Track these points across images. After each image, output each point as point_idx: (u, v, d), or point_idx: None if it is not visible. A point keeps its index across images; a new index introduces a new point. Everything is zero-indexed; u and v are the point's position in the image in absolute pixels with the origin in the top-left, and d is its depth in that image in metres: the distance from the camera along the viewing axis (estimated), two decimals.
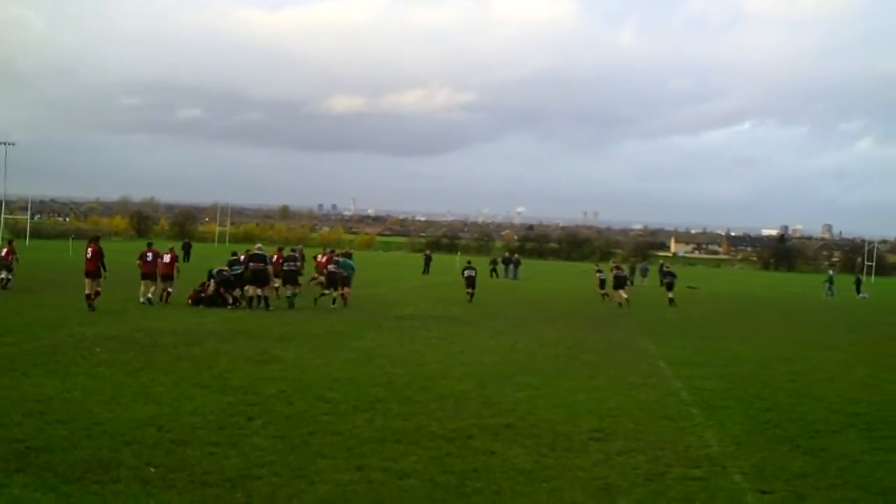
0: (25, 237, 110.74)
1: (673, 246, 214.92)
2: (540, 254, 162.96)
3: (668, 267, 55.66)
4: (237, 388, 15.61)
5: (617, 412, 15.04)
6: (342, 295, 35.59)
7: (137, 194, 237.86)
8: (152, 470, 10.28)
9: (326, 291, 35.53)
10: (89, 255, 30.59)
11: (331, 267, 36.24)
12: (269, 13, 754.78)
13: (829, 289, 70.08)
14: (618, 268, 49.64)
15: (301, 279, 36.65)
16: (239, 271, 33.73)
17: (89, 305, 29.03)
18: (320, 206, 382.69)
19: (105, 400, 14.17)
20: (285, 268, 35.58)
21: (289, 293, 34.66)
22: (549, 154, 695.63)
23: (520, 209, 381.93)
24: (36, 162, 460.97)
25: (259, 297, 32.90)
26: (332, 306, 33.55)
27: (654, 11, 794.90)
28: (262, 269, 33.52)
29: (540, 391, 16.85)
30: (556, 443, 12.50)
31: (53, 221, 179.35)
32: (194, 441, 11.63)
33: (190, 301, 32.60)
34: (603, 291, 49.13)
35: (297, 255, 38.14)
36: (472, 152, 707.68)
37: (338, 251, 41.47)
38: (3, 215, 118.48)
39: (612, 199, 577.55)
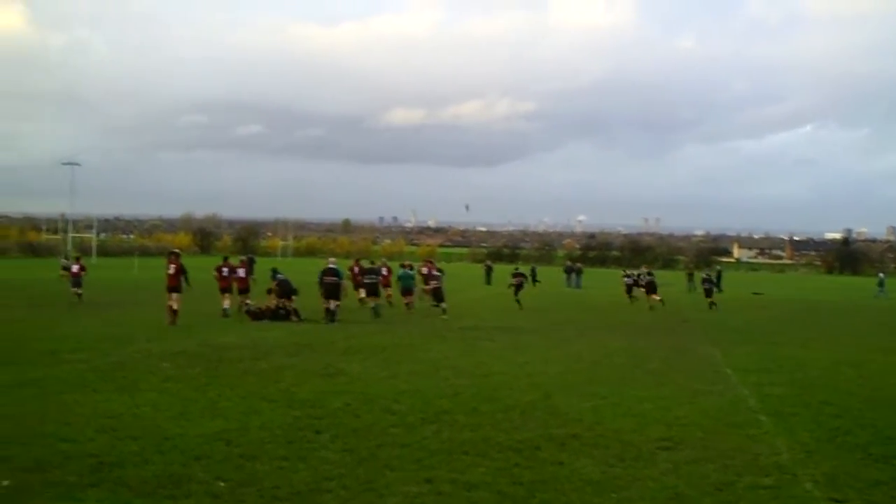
0: (92, 255, 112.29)
1: (736, 251, 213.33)
2: (602, 262, 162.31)
3: (707, 275, 55.86)
4: (304, 402, 15.69)
5: (684, 420, 14.95)
6: (407, 304, 37.83)
7: (200, 210, 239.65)
8: (222, 485, 10.38)
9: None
10: (172, 271, 31.13)
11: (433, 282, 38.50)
12: (326, 28, 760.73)
13: (881, 291, 69.28)
14: (648, 274, 50.59)
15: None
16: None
17: (173, 320, 29.84)
18: (381, 218, 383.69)
19: (174, 415, 14.32)
20: (366, 280, 36.32)
21: (372, 304, 36.00)
22: (610, 161, 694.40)
23: (581, 217, 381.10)
24: (101, 182, 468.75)
25: (331, 310, 33.00)
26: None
27: (713, 15, 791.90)
28: (335, 283, 33.76)
29: (606, 400, 16.78)
30: (624, 452, 12.45)
31: (118, 239, 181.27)
32: (263, 455, 11.71)
33: (249, 316, 32.89)
34: (631, 296, 51.12)
35: (378, 267, 39.10)
36: (532, 162, 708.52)
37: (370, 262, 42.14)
38: (70, 234, 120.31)
39: (674, 205, 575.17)
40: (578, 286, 70.55)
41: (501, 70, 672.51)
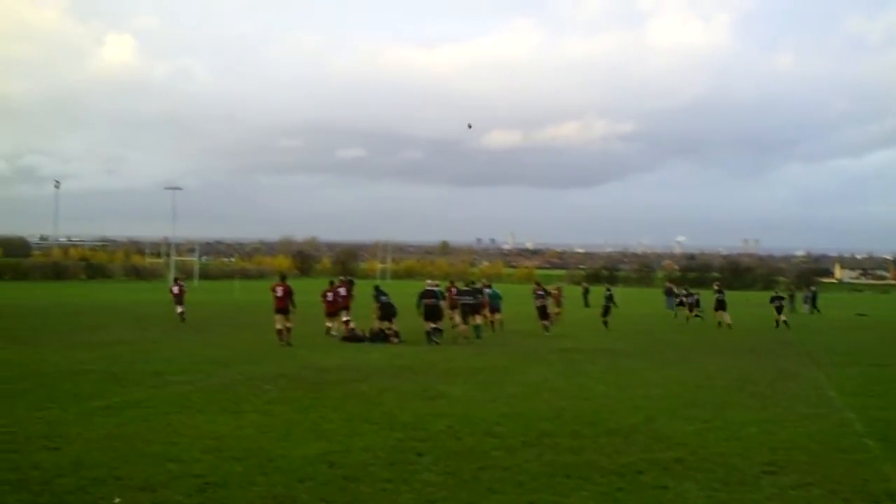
0: (194, 278, 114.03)
1: (837, 272, 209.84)
2: (701, 283, 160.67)
3: (778, 292, 56.61)
4: (406, 425, 15.73)
5: (789, 444, 14.70)
6: (492, 322, 38.73)
7: (299, 234, 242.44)
8: None
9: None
10: (280, 294, 31.88)
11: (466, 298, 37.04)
12: (426, 51, 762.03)
13: None
14: (719, 290, 49.78)
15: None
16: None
17: (281, 340, 30.87)
18: (479, 240, 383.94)
19: (277, 437, 14.45)
20: (462, 301, 36.49)
21: (472, 325, 36.29)
22: (708, 181, 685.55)
23: (680, 238, 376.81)
24: (202, 205, 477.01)
25: (432, 331, 33.42)
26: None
27: (811, 34, 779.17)
28: (435, 304, 34.16)
29: (709, 424, 16.58)
30: (729, 477, 12.28)
31: (220, 262, 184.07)
32: (366, 477, 11.76)
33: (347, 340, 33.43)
34: (694, 313, 52.45)
35: (478, 288, 40.06)
36: (630, 182, 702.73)
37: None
38: (173, 257, 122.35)
39: (774, 226, 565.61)
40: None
41: (599, 91, 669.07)
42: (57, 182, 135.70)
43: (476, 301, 36.84)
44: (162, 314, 46.61)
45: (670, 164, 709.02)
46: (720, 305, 47.83)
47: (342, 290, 36.94)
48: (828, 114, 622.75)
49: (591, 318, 50.56)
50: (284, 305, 31.64)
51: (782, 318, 47.60)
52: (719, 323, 46.79)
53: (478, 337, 34.88)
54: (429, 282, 37.56)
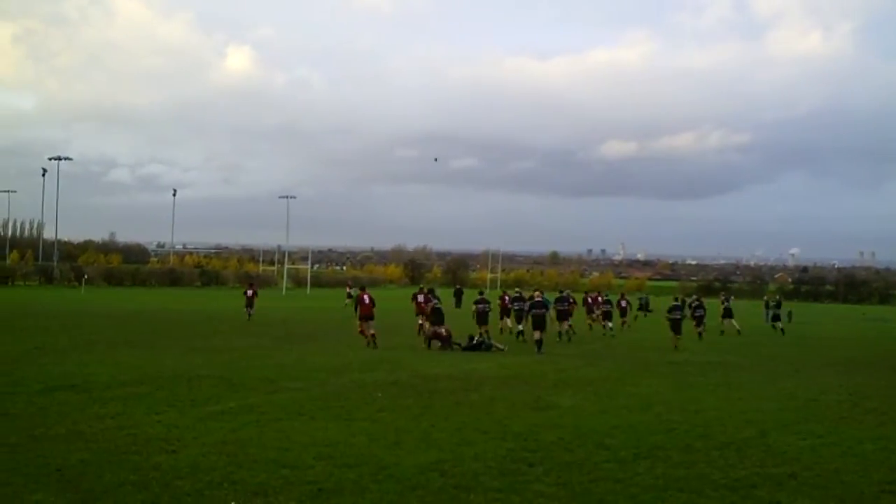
0: (307, 286, 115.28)
1: None
2: (815, 297, 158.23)
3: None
4: (517, 435, 15.74)
5: None
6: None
7: (411, 243, 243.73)
8: None
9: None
10: (367, 301, 34.13)
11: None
12: (541, 61, 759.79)
13: None
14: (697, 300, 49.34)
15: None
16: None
17: (368, 343, 32.82)
18: (589, 251, 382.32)
19: (388, 445, 14.56)
20: (516, 308, 40.71)
21: (563, 329, 39.09)
22: (825, 193, 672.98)
23: (793, 251, 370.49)
24: (316, 214, 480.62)
25: (539, 340, 34.20)
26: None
27: None
28: (542, 314, 35.24)
29: (824, 439, 16.32)
30: (845, 495, 12.07)
31: (332, 270, 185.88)
32: (477, 487, 11.80)
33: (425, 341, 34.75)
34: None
35: (567, 296, 43.44)
36: (745, 193, 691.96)
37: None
38: (286, 265, 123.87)
39: (891, 238, 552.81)
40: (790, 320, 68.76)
41: (716, 101, 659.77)
42: (174, 190, 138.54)
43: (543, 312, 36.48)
44: (274, 321, 47.23)
45: (786, 176, 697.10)
46: (727, 314, 50.36)
47: (420, 297, 41.18)
48: None
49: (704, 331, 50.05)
50: (369, 311, 34.20)
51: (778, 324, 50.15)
52: (722, 332, 48.43)
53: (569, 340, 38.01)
54: (536, 293, 38.44)
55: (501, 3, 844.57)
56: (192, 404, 18.17)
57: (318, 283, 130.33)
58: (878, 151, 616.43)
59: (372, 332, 33.63)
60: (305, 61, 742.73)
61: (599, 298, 48.31)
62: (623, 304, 50.69)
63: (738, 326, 49.12)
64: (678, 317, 40.11)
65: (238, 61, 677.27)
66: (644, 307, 67.38)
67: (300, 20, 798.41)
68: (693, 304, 48.03)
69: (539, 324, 34.53)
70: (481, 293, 42.42)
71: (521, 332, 39.73)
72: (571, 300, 44.40)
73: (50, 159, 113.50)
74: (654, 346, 38.57)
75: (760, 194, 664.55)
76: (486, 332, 37.10)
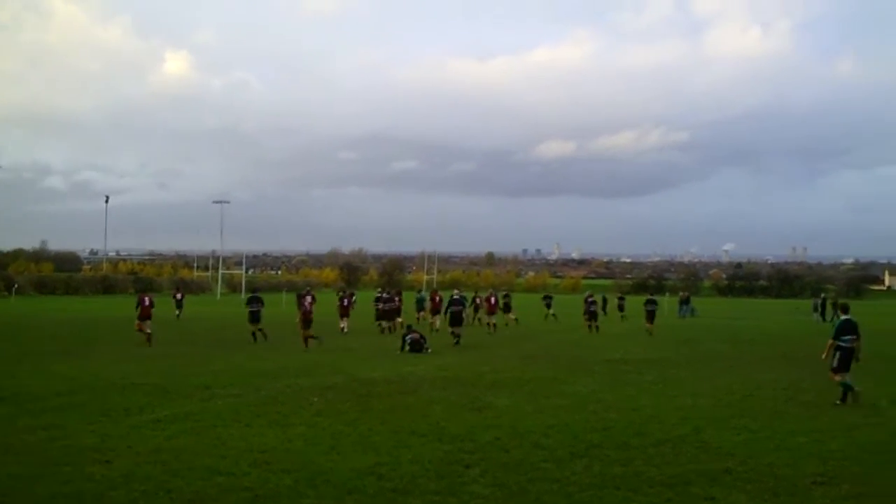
0: (241, 291, 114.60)
1: (887, 279, 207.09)
2: (749, 292, 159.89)
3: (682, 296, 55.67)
4: (454, 436, 15.76)
5: (840, 455, 14.60)
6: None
7: (347, 246, 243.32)
8: None
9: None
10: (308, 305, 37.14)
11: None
12: (481, 63, 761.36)
13: None
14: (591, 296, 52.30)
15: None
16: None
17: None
18: (525, 251, 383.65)
19: (326, 449, 14.54)
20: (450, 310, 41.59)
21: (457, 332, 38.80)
22: (760, 190, 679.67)
23: (727, 247, 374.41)
24: (254, 218, 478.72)
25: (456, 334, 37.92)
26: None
27: (874, 41, 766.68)
28: (460, 311, 39.38)
29: (758, 434, 16.50)
30: (779, 488, 12.22)
31: (266, 275, 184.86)
32: (415, 490, 11.80)
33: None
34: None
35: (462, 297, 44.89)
36: (681, 192, 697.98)
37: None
38: (220, 270, 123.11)
39: (823, 234, 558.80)
40: (693, 315, 71.17)
41: (656, 100, 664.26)
42: (107, 197, 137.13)
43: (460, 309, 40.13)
44: (209, 328, 46.93)
45: (723, 174, 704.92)
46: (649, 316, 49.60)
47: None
48: (885, 121, 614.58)
49: (637, 329, 50.37)
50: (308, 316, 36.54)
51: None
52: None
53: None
54: (455, 292, 43.31)
55: (445, 4, 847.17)
56: (125, 413, 18.02)
57: (252, 288, 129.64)
58: (813, 149, 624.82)
59: (309, 334, 35.23)
60: (245, 64, 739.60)
61: (492, 300, 49.96)
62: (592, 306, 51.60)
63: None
64: (594, 309, 49.75)
65: (176, 65, 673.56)
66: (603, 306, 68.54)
67: (240, 23, 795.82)
68: (588, 300, 50.99)
69: (456, 320, 38.60)
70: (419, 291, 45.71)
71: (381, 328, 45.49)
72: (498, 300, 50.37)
73: None
74: (590, 345, 38.75)
75: (696, 192, 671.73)
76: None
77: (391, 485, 12.06)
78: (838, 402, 20.82)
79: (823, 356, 21.69)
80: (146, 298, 37.92)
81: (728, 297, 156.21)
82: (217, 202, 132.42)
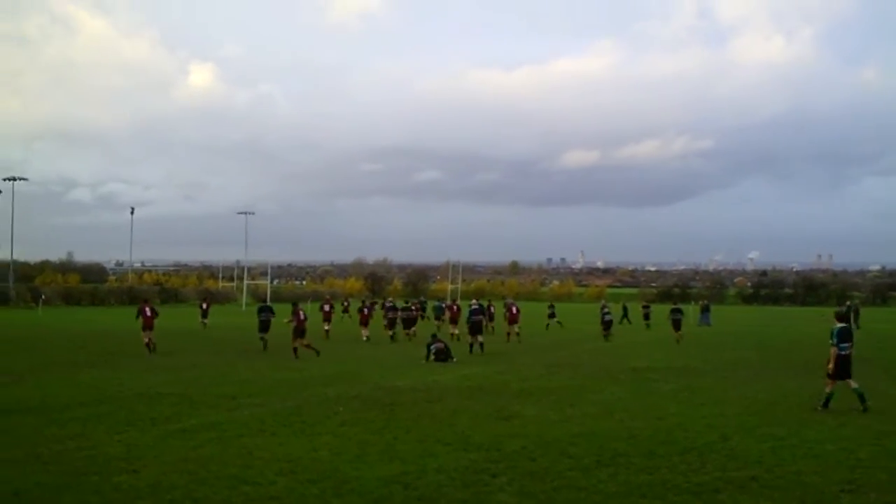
0: (266, 301, 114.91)
1: None
2: (774, 300, 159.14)
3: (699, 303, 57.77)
4: (480, 445, 15.75)
5: (868, 463, 14.51)
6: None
7: (371, 256, 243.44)
8: None
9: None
10: (303, 316, 36.67)
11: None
12: (506, 73, 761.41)
13: None
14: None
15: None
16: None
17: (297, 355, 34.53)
18: (549, 260, 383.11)
19: (351, 458, 14.54)
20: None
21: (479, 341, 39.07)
22: (784, 197, 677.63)
23: (752, 255, 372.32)
24: (277, 229, 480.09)
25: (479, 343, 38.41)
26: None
27: None
28: (479, 320, 39.79)
29: (785, 442, 16.42)
30: (806, 496, 12.15)
31: (291, 285, 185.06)
32: (441, 499, 11.80)
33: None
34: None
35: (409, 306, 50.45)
36: (706, 200, 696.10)
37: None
38: (245, 281, 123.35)
39: (849, 241, 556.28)
40: (708, 323, 70.26)
41: (680, 108, 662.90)
42: (132, 209, 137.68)
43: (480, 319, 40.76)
44: (234, 338, 46.99)
45: (747, 181, 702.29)
46: (676, 326, 49.99)
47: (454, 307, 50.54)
48: None
49: (663, 338, 50.22)
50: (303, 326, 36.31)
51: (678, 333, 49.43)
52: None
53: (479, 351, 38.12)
54: (473, 301, 44.00)
55: (468, 15, 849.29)
56: (152, 423, 18.08)
57: (277, 298, 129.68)
58: (837, 156, 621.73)
59: (306, 342, 35.41)
60: (269, 78, 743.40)
61: (455, 307, 51.32)
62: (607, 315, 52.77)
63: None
64: (609, 319, 51.59)
65: (201, 78, 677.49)
66: (625, 315, 68.67)
67: (266, 37, 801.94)
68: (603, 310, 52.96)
69: (476, 329, 38.98)
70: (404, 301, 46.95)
71: (392, 336, 47.13)
72: (415, 309, 51.63)
73: (4, 179, 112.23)
74: (616, 354, 38.67)
75: (721, 200, 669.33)
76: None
77: (417, 493, 12.05)
78: (819, 408, 21.13)
79: (829, 365, 21.69)
80: (147, 308, 38.11)
81: (753, 304, 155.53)
82: (242, 213, 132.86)
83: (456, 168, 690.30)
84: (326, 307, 53.58)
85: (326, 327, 51.06)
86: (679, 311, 50.83)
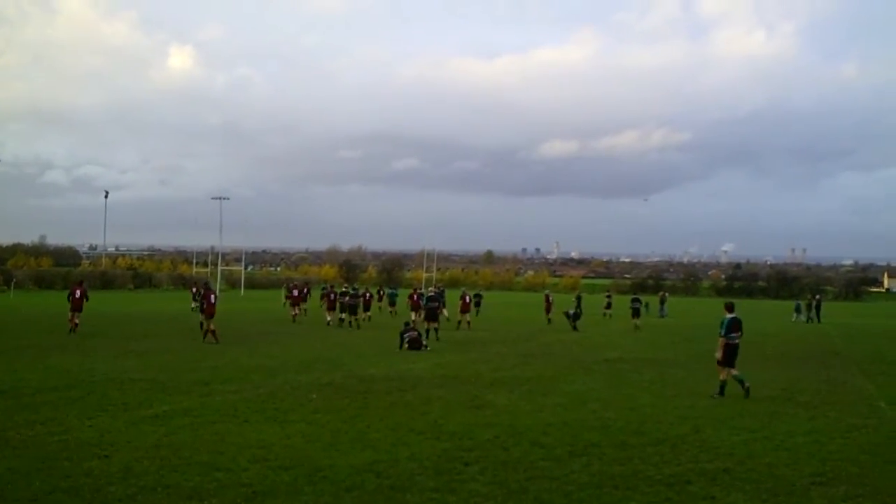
0: (241, 287, 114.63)
1: (886, 281, 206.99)
2: (748, 293, 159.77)
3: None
4: (452, 434, 15.77)
5: (838, 456, 14.61)
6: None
7: (346, 243, 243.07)
8: None
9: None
10: (213, 300, 37.58)
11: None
12: (486, 62, 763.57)
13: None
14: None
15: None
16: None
17: (206, 339, 35.68)
18: (524, 250, 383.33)
19: (324, 446, 14.53)
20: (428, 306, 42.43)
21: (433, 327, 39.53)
22: (760, 191, 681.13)
23: (726, 248, 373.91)
24: (254, 215, 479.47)
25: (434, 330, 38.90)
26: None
27: (878, 44, 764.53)
28: (435, 307, 40.32)
29: (757, 434, 16.53)
30: (777, 488, 12.22)
31: (266, 272, 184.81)
32: (413, 487, 11.79)
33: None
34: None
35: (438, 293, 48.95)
36: (682, 192, 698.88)
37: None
38: (219, 266, 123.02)
39: (823, 235, 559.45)
40: (663, 315, 72.29)
41: (659, 101, 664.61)
42: (106, 192, 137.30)
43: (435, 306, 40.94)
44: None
45: (724, 174, 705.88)
46: (635, 314, 54.59)
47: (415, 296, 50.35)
48: (887, 123, 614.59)
49: (630, 328, 50.42)
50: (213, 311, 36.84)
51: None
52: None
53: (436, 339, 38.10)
54: (430, 288, 47.44)
55: (448, 3, 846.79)
56: (124, 408, 18.00)
57: (251, 284, 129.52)
58: (814, 151, 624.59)
59: (212, 328, 35.86)
60: (249, 61, 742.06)
61: (416, 295, 51.77)
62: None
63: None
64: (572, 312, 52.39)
65: (180, 61, 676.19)
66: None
67: (246, 20, 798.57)
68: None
69: (431, 316, 39.48)
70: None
71: (341, 320, 47.88)
72: (367, 295, 53.97)
73: None
74: (588, 345, 38.78)
75: (698, 193, 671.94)
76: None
77: (389, 482, 12.04)
78: (715, 395, 21.85)
79: (718, 353, 22.64)
80: (77, 290, 39.47)
81: (726, 297, 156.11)
82: (216, 198, 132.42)
83: (434, 156, 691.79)
84: (295, 292, 54.91)
85: (293, 312, 52.68)
86: (638, 300, 56.50)
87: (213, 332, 35.59)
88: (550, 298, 58.67)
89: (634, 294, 62.98)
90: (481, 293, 63.45)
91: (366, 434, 15.70)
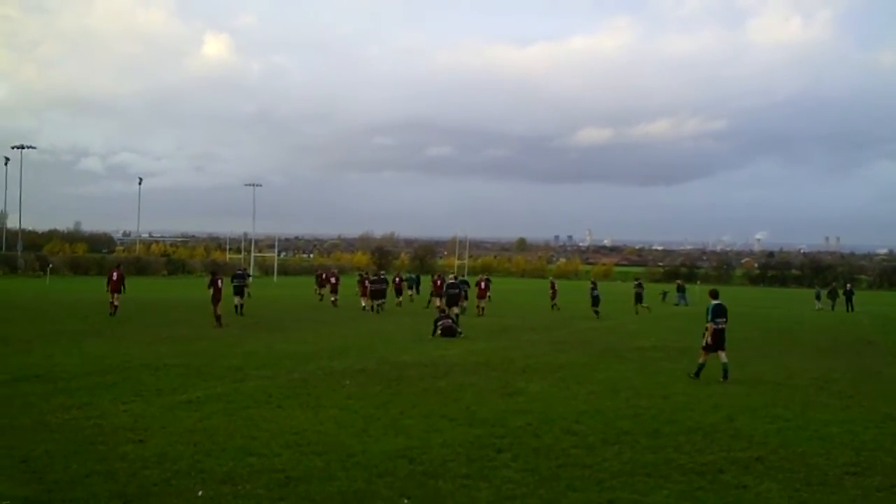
0: (273, 274, 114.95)
1: None
2: (781, 281, 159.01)
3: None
4: (485, 421, 15.79)
5: (873, 445, 14.55)
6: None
7: (379, 230, 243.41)
8: (406, 502, 10.51)
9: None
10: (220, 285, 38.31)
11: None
12: (520, 49, 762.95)
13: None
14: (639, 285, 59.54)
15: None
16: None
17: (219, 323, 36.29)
18: (556, 237, 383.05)
19: (357, 432, 14.58)
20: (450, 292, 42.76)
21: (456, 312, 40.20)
22: (795, 179, 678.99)
23: (759, 236, 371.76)
24: (288, 202, 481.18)
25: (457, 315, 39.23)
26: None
27: None
28: (457, 293, 41.88)
29: (790, 423, 16.45)
30: (811, 477, 12.17)
31: (298, 258, 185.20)
32: (446, 473, 11.82)
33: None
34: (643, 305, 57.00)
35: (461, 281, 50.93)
36: (716, 180, 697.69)
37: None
38: (253, 253, 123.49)
39: (857, 223, 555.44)
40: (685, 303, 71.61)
41: (694, 88, 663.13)
42: (140, 179, 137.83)
43: (457, 292, 42.24)
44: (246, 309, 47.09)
45: (759, 162, 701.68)
46: (638, 299, 56.55)
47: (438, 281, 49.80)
48: None
49: (670, 316, 50.30)
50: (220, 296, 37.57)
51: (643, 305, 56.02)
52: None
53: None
54: (451, 275, 48.35)
55: None
56: (158, 394, 18.11)
57: (284, 271, 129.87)
58: (849, 139, 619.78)
59: (218, 312, 36.85)
60: (284, 49, 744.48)
61: (439, 281, 51.58)
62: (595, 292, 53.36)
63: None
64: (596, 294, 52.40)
65: (215, 49, 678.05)
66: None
67: (282, 8, 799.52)
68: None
69: (453, 301, 40.57)
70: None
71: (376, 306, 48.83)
72: (396, 280, 57.98)
73: (13, 147, 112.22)
74: (622, 332, 38.69)
75: (732, 180, 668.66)
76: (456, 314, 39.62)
77: (422, 468, 12.08)
78: (692, 375, 22.80)
79: (706, 338, 23.17)
80: (114, 272, 41.08)
81: (760, 285, 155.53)
82: (249, 185, 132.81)
83: (467, 143, 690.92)
84: (333, 280, 56.07)
85: (333, 298, 53.57)
86: (640, 284, 58.79)
87: (219, 317, 36.46)
88: (556, 286, 59.60)
89: (636, 279, 63.20)
90: (489, 278, 63.47)
91: (398, 420, 15.75)
